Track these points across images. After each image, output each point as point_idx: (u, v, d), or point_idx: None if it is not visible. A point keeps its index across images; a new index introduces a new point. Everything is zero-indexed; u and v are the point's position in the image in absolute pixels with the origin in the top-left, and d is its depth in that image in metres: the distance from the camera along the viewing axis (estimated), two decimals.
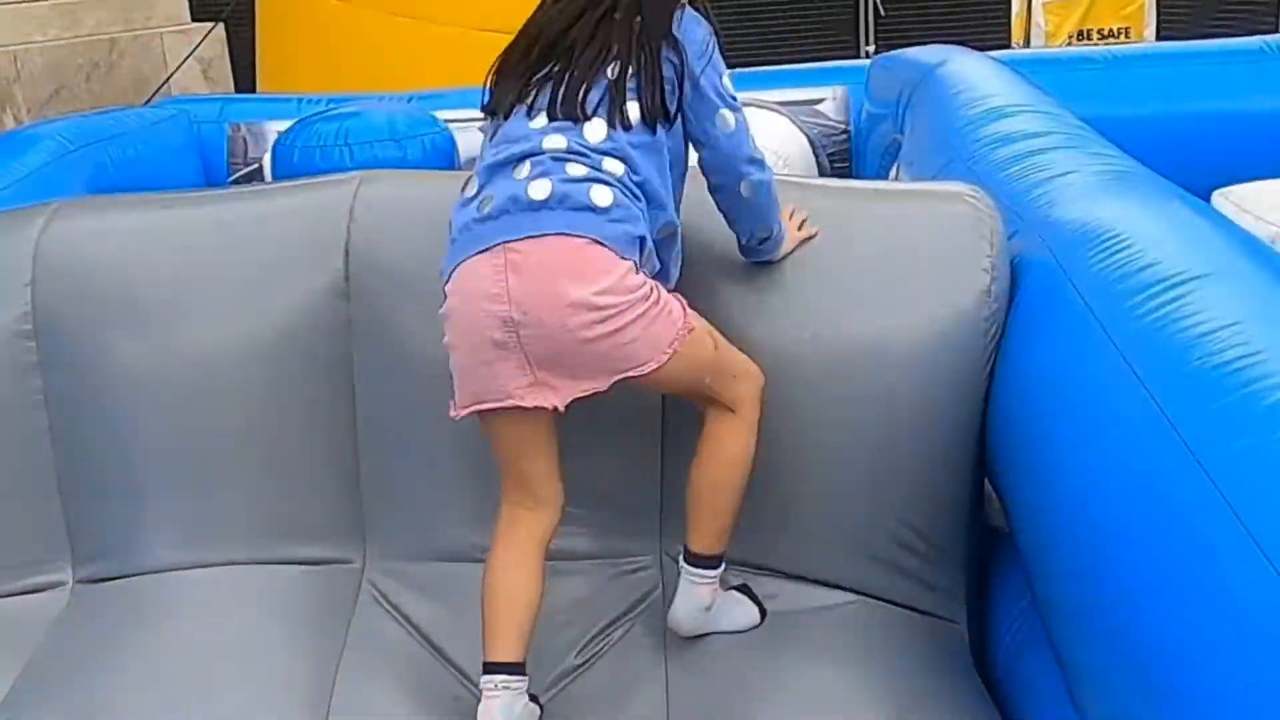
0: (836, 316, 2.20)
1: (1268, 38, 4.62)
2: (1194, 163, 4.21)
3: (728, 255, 2.21)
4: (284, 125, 4.47)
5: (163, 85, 7.42)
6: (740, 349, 2.08)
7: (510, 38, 2.11)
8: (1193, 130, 4.37)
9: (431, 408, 2.11)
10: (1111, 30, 11.76)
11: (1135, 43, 11.90)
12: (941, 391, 2.14)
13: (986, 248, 2.16)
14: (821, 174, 4.43)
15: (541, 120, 1.97)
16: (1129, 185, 2.42)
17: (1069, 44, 11.81)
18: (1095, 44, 11.86)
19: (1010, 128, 2.93)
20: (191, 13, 8.49)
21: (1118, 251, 1.92)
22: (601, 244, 1.84)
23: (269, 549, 2.32)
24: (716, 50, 2.11)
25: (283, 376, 2.25)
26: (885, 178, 4.11)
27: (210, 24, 8.30)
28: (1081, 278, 1.96)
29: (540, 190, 1.87)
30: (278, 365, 2.25)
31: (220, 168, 4.52)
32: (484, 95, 2.07)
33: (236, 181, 4.43)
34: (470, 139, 4.28)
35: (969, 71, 3.51)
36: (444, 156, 4.13)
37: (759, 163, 2.11)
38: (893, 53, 4.28)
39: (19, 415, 2.27)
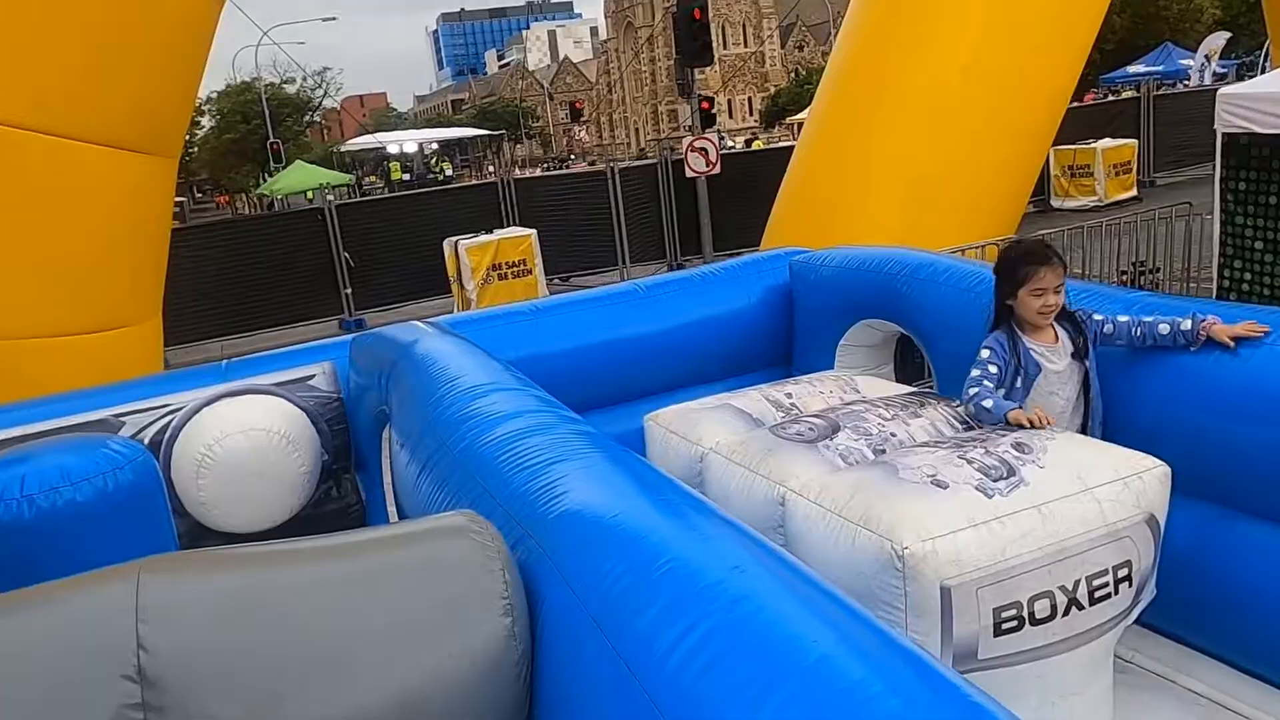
0: (344, 691, 1.40)
1: (638, 280, 4.46)
2: (592, 381, 4.05)
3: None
4: None
5: None
6: None
7: None
8: (595, 356, 4.17)
9: None
10: (514, 261, 11.95)
11: (530, 268, 12.20)
12: None
13: (502, 587, 1.47)
14: (322, 440, 3.60)
15: None
16: (611, 471, 1.87)
17: (488, 276, 11.82)
18: (506, 273, 12.00)
19: (490, 409, 2.35)
20: None
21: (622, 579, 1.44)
22: None
23: None
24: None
25: None
26: (378, 442, 3.38)
27: None
28: (596, 609, 1.43)
29: None
30: None
31: None
32: None
33: None
34: None
35: (439, 352, 2.88)
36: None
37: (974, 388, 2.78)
38: (368, 331, 3.58)
39: None
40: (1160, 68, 29.67)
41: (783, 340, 4.46)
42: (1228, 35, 29.66)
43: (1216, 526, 2.73)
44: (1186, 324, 2.75)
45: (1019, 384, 2.87)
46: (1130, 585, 2.30)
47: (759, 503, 2.57)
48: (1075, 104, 17.13)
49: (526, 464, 1.99)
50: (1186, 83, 26.45)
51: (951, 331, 3.59)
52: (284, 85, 49.51)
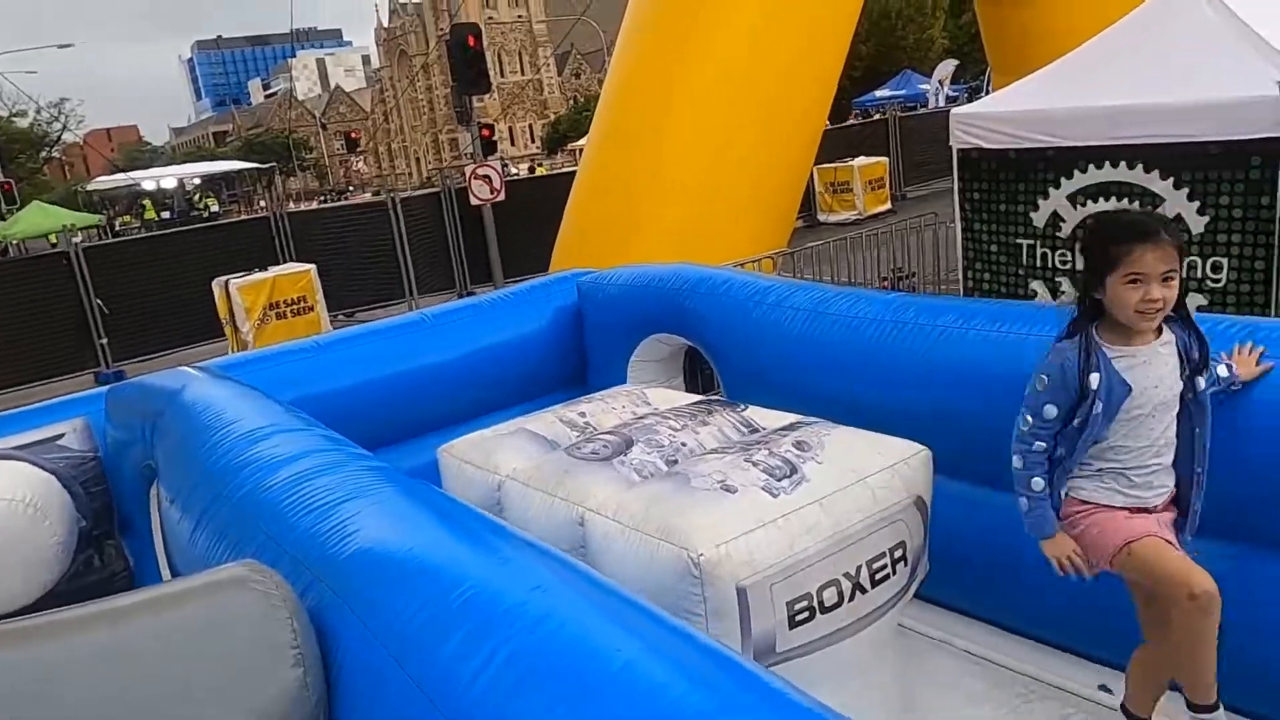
0: None
1: (425, 309, 4.37)
2: (384, 416, 3.94)
3: None
4: None
5: None
6: None
7: None
8: (385, 390, 4.04)
9: None
10: (293, 298, 11.41)
11: (311, 304, 11.67)
12: None
13: (290, 636, 1.39)
14: (77, 504, 3.28)
15: None
16: (405, 505, 1.82)
17: (265, 315, 11.20)
18: (284, 311, 11.41)
19: (270, 452, 2.23)
20: None
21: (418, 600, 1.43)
22: None
23: None
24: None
25: None
26: (145, 501, 3.11)
27: None
28: (396, 646, 1.40)
29: None
30: None
31: None
32: None
33: None
34: None
35: (210, 397, 2.70)
36: None
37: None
38: (127, 381, 3.30)
39: None
40: (903, 92, 32.60)
41: (576, 360, 4.51)
42: (956, 63, 33.05)
43: (977, 502, 3.01)
44: (1222, 370, 2.28)
45: (1097, 412, 2.10)
46: (906, 564, 2.49)
47: (559, 525, 2.57)
48: (833, 125, 18.50)
49: (313, 506, 1.90)
50: (925, 105, 29.20)
51: (735, 341, 3.77)
52: (14, 119, 44.70)
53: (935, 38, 41.46)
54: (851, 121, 25.53)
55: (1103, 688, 2.77)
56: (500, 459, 2.92)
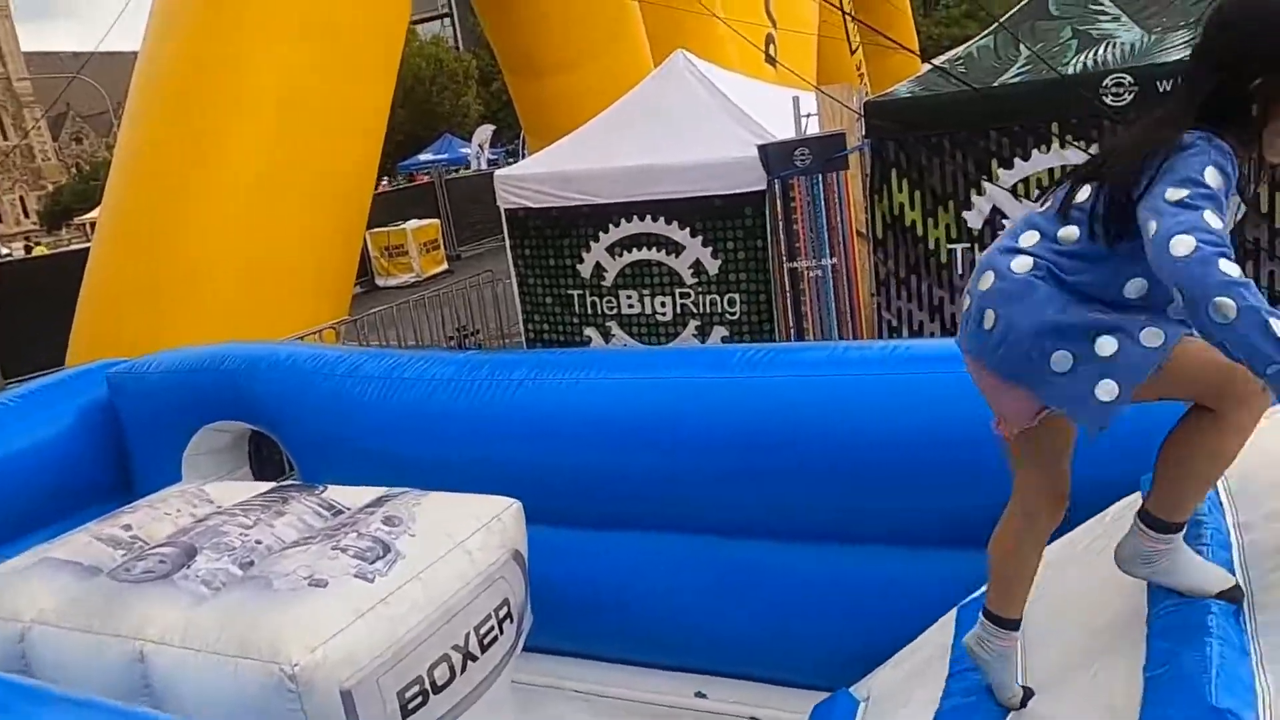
0: None
1: None
2: None
3: None
4: None
5: None
6: None
7: None
8: None
9: None
10: None
11: None
12: None
13: None
14: None
15: None
16: None
17: None
18: None
19: None
20: None
21: None
22: None
23: None
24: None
25: None
26: None
27: None
28: None
29: None
30: None
31: None
32: None
33: None
34: None
35: None
36: None
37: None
38: None
39: None
40: (445, 156, 33.54)
41: (115, 465, 3.90)
42: (493, 128, 34.87)
43: (569, 545, 3.12)
44: None
45: None
46: (512, 621, 2.49)
47: (112, 668, 2.18)
48: (384, 190, 18.40)
49: None
50: (469, 167, 30.34)
51: (305, 419, 3.52)
52: None
53: (470, 104, 43.33)
54: (400, 185, 25.67)
55: (699, 694, 3.01)
56: (20, 601, 2.40)
